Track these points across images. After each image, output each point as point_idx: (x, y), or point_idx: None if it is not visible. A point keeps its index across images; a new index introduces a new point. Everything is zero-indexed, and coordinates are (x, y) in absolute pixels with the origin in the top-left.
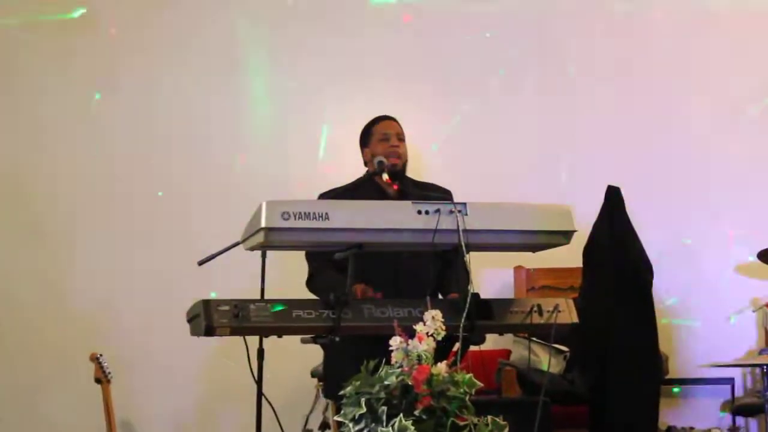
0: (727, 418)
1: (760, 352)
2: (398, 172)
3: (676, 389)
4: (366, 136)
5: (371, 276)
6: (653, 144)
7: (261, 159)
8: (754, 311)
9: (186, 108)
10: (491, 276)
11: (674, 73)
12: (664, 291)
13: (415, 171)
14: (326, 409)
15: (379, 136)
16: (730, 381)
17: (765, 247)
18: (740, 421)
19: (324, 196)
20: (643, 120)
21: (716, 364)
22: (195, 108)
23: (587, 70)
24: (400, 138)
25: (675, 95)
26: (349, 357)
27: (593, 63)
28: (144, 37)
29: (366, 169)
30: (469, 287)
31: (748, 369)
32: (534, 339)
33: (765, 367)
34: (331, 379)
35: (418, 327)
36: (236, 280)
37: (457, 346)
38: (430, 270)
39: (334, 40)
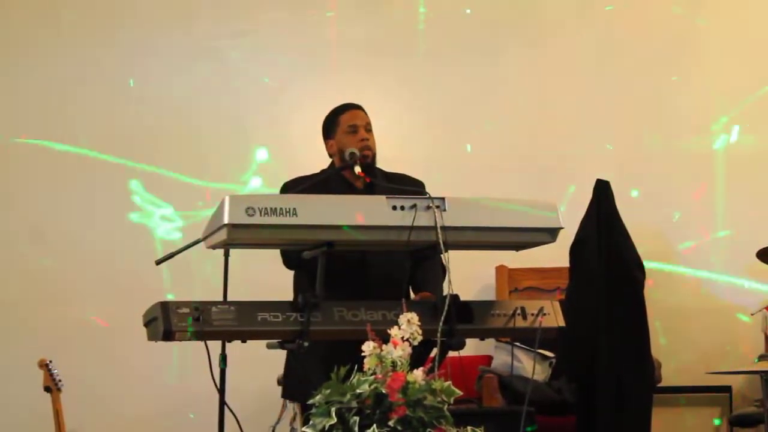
0: (724, 428)
1: (760, 358)
2: (370, 166)
3: (670, 398)
4: (331, 126)
5: (339, 276)
6: (644, 138)
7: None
8: (752, 315)
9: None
10: (471, 276)
11: (665, 62)
12: (658, 291)
13: (383, 161)
14: (294, 419)
15: (346, 127)
16: (728, 389)
17: (764, 247)
18: None
19: (289, 184)
20: (634, 112)
21: (713, 372)
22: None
23: (573, 59)
24: (368, 129)
25: (666, 86)
26: (314, 357)
27: (580, 51)
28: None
29: (331, 160)
30: (448, 288)
31: (747, 377)
32: (517, 344)
33: (765, 374)
34: (291, 379)
35: (393, 331)
36: (197, 280)
37: (434, 351)
38: (404, 269)
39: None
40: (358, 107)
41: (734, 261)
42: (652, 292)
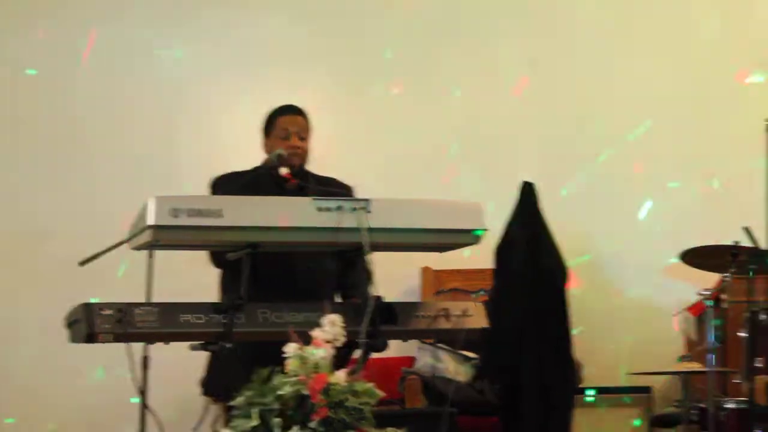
0: (644, 429)
1: (680, 359)
2: (299, 171)
3: (591, 398)
4: (268, 126)
5: (266, 277)
6: (572, 139)
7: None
8: (674, 315)
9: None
10: (396, 278)
11: (592, 66)
12: (580, 293)
13: (318, 166)
14: (216, 421)
15: (280, 131)
16: (648, 390)
17: (687, 248)
18: None
19: (219, 180)
20: (561, 114)
21: (634, 372)
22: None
23: (501, 59)
24: (302, 137)
25: (593, 86)
26: (238, 359)
27: (506, 51)
28: None
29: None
30: (371, 290)
31: (667, 377)
32: (441, 345)
33: (685, 375)
34: (214, 381)
35: (316, 333)
36: (121, 281)
37: (357, 353)
38: (331, 271)
39: (231, 25)
40: (298, 112)
41: (657, 262)
42: (575, 293)
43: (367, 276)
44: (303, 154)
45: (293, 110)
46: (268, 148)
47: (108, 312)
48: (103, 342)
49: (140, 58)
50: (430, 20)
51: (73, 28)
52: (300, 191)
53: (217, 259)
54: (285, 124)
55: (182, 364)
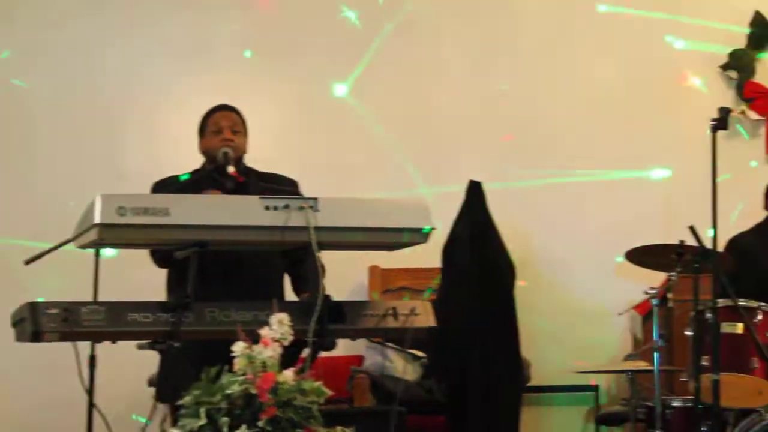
0: (590, 427)
1: (626, 358)
2: (238, 165)
3: (538, 397)
4: (202, 127)
5: (214, 276)
6: (517, 138)
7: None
8: (620, 314)
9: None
10: (344, 277)
11: (539, 61)
12: (527, 292)
13: (256, 162)
14: (164, 420)
15: (213, 127)
16: (595, 388)
17: (633, 247)
18: (604, 430)
19: (159, 185)
20: (506, 112)
21: (580, 371)
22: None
23: (450, 54)
24: (235, 131)
25: (539, 85)
26: (187, 359)
27: (450, 50)
28: None
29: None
30: (323, 285)
31: (614, 376)
32: (389, 344)
33: (631, 373)
34: (165, 382)
35: (264, 331)
36: (67, 281)
37: (306, 351)
38: (279, 270)
39: (183, 19)
40: (229, 109)
41: (603, 261)
42: (522, 292)
43: (319, 271)
44: (236, 147)
45: (224, 107)
46: (203, 147)
47: (54, 311)
48: (49, 341)
49: (85, 56)
50: (374, 19)
51: (17, 24)
52: (244, 190)
53: (160, 258)
54: (217, 119)
55: (130, 363)
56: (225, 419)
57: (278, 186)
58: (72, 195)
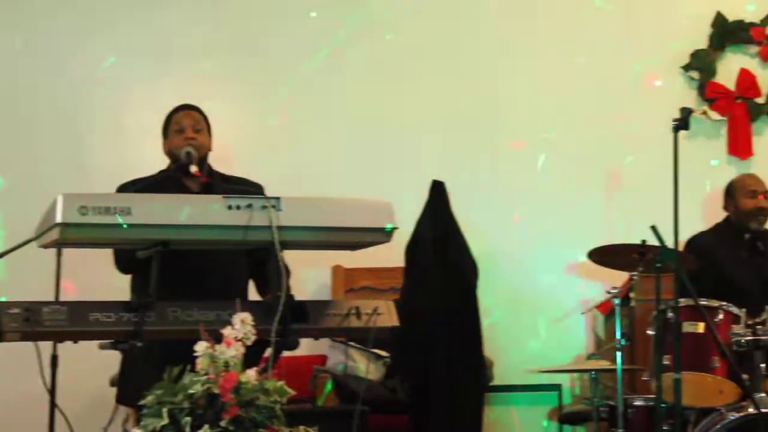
0: (553, 426)
1: (589, 357)
2: (202, 163)
3: (501, 396)
4: (165, 127)
5: (177, 276)
6: (477, 138)
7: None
8: (583, 314)
9: None
10: (307, 276)
11: (499, 60)
12: (490, 292)
13: (224, 165)
14: (126, 420)
15: (175, 127)
16: (557, 388)
17: (596, 246)
18: (567, 429)
19: (123, 187)
20: (466, 112)
21: (543, 370)
22: None
23: (415, 51)
24: (197, 129)
25: (497, 85)
26: (148, 360)
27: (408, 49)
28: None
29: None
30: (289, 284)
31: (576, 375)
32: (352, 344)
33: (593, 372)
34: (125, 384)
35: (226, 331)
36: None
37: (268, 351)
38: (243, 270)
39: (140, 16)
40: (191, 108)
41: (566, 260)
42: (485, 291)
43: (282, 271)
44: (199, 146)
45: (186, 107)
46: (167, 147)
47: (15, 311)
48: (10, 341)
49: (48, 57)
50: (336, 18)
51: None
52: (208, 190)
53: (124, 263)
54: (179, 119)
55: (92, 363)
56: (187, 419)
57: (243, 188)
58: (34, 195)
